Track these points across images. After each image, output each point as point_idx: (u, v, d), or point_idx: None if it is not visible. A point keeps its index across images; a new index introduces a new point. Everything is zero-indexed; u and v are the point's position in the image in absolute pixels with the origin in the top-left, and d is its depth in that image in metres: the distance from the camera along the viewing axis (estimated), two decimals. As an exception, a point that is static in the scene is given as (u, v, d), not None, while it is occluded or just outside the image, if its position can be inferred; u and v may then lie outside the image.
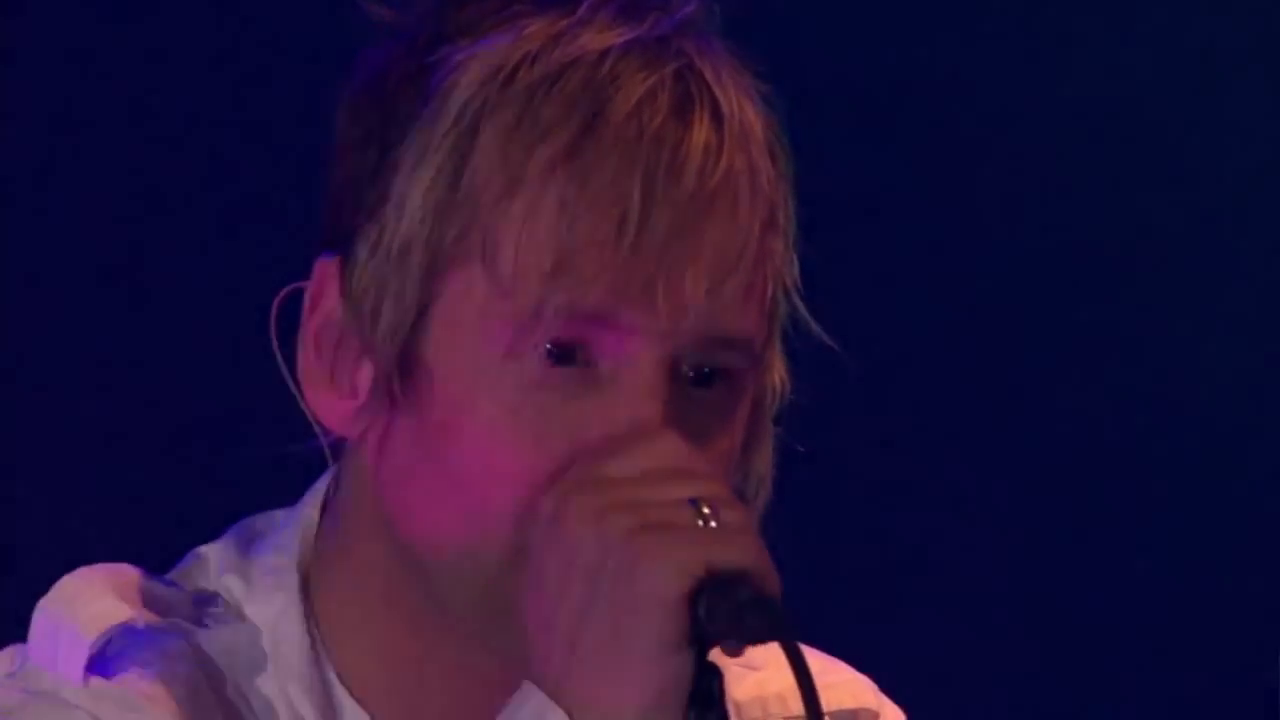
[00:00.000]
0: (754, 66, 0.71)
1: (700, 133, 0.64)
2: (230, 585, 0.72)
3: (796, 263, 0.71)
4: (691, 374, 0.65)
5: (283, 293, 0.71)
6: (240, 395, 1.64)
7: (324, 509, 0.73)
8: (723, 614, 0.58)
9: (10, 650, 0.73)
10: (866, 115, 1.93)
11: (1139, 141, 1.98)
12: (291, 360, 0.70)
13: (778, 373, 0.72)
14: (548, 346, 0.63)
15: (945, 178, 1.95)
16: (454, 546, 0.65)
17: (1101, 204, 1.99)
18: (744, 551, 0.60)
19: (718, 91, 0.65)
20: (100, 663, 0.67)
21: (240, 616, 0.71)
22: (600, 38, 0.64)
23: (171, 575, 0.75)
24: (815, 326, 0.71)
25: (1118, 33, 1.96)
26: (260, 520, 0.76)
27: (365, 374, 0.67)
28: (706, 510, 0.60)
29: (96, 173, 1.80)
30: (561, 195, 0.63)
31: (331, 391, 0.69)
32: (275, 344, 0.71)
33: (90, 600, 0.69)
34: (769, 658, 0.61)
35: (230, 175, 1.83)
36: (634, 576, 0.58)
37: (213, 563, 0.74)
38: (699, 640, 0.59)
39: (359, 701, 0.70)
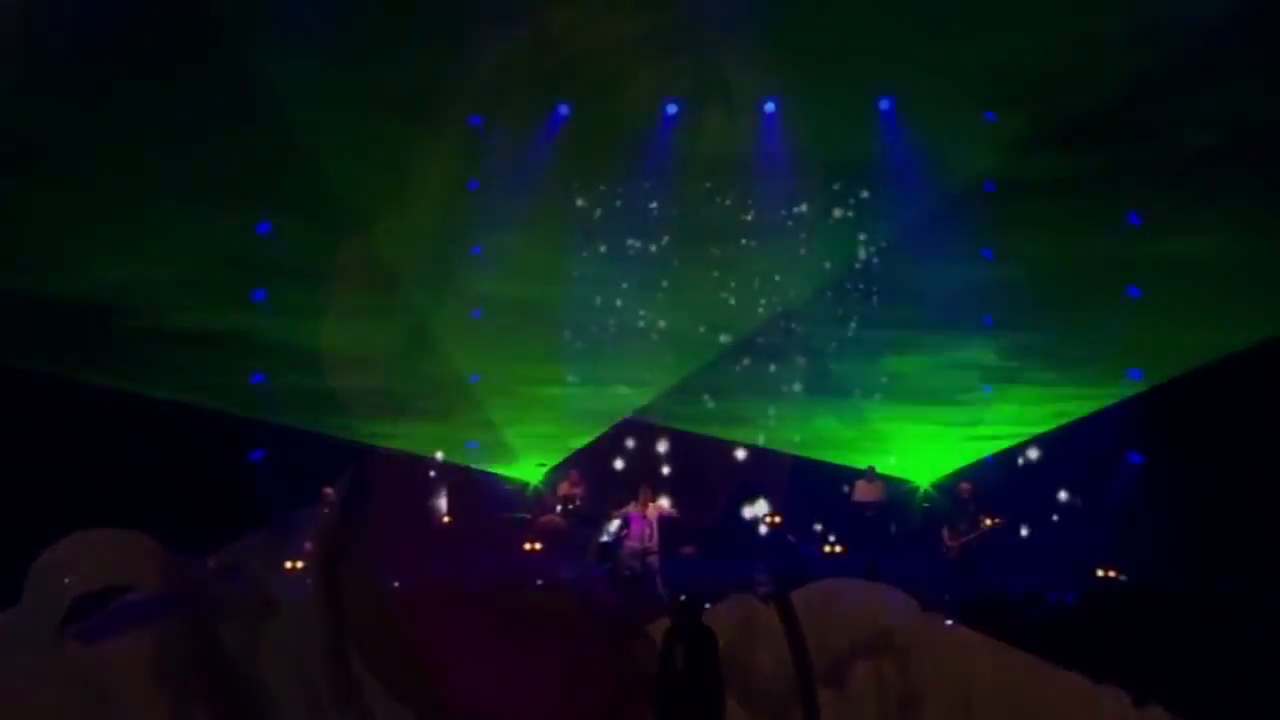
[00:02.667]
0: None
1: None
2: (258, 570, 0.72)
3: None
4: None
5: None
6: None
7: None
8: None
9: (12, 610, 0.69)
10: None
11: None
12: None
13: None
14: None
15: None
16: None
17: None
18: None
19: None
20: (86, 627, 0.65)
21: (266, 598, 0.70)
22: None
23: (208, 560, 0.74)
24: None
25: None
26: (298, 513, 0.75)
27: None
28: None
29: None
30: None
31: None
32: None
33: (84, 559, 0.67)
34: None
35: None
36: None
37: (244, 548, 0.74)
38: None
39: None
